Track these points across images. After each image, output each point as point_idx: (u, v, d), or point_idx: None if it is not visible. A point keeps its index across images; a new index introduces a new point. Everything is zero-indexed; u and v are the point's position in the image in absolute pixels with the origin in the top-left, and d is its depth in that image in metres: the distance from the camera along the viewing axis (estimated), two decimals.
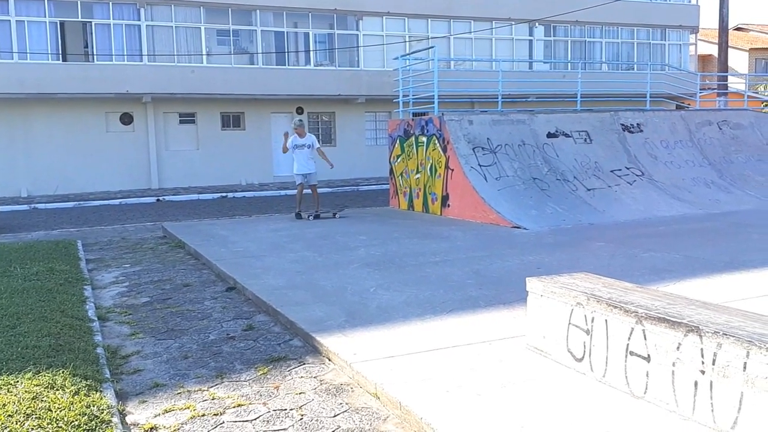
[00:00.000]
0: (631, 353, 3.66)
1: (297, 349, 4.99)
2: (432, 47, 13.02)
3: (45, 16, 20.46)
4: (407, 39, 24.15)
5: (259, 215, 14.78)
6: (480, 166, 11.64)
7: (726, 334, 3.12)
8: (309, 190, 12.73)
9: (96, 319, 5.98)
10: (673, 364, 3.40)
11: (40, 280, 7.22)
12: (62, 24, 21.03)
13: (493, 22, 25.48)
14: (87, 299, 6.67)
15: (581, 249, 8.38)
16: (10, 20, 20.00)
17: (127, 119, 22.84)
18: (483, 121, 12.31)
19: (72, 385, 4.04)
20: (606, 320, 3.84)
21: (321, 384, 4.26)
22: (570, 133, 12.73)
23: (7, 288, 6.62)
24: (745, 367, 3.03)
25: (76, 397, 3.90)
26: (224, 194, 21.04)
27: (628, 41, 28.16)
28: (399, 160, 13.62)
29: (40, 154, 21.34)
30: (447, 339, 4.77)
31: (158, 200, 20.50)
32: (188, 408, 3.99)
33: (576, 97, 14.29)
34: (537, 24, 26.16)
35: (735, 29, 39.23)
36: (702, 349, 3.24)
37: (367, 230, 10.44)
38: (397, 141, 13.63)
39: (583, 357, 4.02)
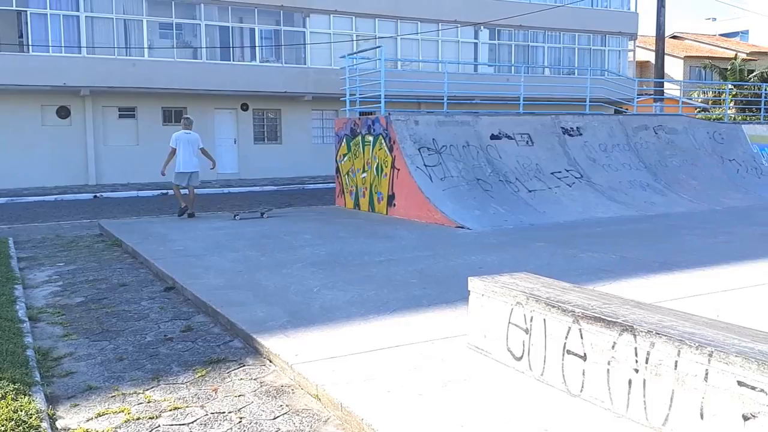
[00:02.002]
0: (569, 352, 3.73)
1: (237, 350, 4.91)
2: (379, 47, 13.02)
3: None
4: (354, 38, 24.11)
5: (200, 213, 14.49)
6: (425, 166, 11.71)
7: (658, 333, 3.21)
8: (186, 191, 12.40)
9: (26, 319, 5.74)
10: (609, 363, 3.48)
11: None
12: None
13: (440, 24, 25.69)
14: (17, 299, 6.41)
15: (523, 249, 8.52)
16: None
17: (63, 113, 22.10)
18: (429, 122, 12.39)
19: None
20: (544, 319, 3.90)
21: (261, 386, 4.19)
22: (512, 136, 12.94)
23: None
24: (676, 366, 3.13)
25: (2, 401, 3.73)
26: (164, 191, 20.53)
27: (569, 46, 28.82)
28: (345, 159, 13.58)
29: None
30: (390, 339, 4.77)
31: (95, 197, 19.90)
32: (123, 411, 3.87)
33: (519, 100, 14.54)
34: (482, 27, 26.51)
35: (671, 37, 40.65)
36: (636, 348, 3.33)
37: (312, 229, 10.37)
38: (344, 140, 13.59)
39: (522, 356, 4.07)
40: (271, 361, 4.59)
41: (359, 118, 13.07)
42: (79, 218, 14.59)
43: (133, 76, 21.44)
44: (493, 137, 12.84)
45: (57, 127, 21.91)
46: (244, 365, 4.58)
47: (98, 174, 22.38)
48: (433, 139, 12.10)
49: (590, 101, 15.61)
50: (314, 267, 7.38)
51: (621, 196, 12.70)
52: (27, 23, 20.48)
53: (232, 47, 23.19)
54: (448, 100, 13.89)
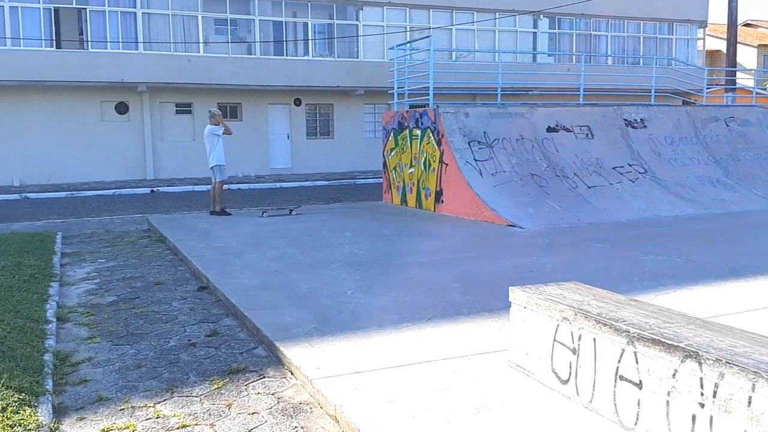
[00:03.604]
0: (621, 378, 3.24)
1: (259, 359, 4.58)
2: (428, 37, 12.54)
3: (39, 2, 20.03)
4: (408, 29, 23.64)
5: (250, 208, 14.37)
6: (475, 160, 11.20)
7: (729, 363, 2.70)
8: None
9: (54, 320, 5.58)
10: (668, 394, 2.98)
11: (5, 276, 6.83)
12: (56, 10, 20.59)
13: (497, 13, 24.96)
14: (50, 297, 6.28)
15: (578, 251, 7.94)
16: (3, 6, 19.59)
17: (122, 108, 22.44)
18: (480, 114, 11.86)
19: (1, 399, 3.64)
20: (594, 339, 3.42)
21: (278, 402, 3.85)
22: (571, 128, 12.27)
23: None
24: (750, 402, 2.61)
25: (2, 414, 3.50)
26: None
27: (634, 35, 27.60)
28: (393, 153, 13.18)
29: (33, 142, 20.95)
30: (422, 352, 4.35)
31: (152, 191, 20.13)
32: (128, 428, 3.58)
33: (579, 91, 13.81)
34: (541, 16, 25.62)
35: (744, 25, 38.58)
36: (701, 379, 2.82)
37: (356, 226, 10.02)
38: (391, 134, 13.20)
39: (568, 379, 3.60)
40: (292, 374, 4.24)
41: (407, 112, 12.64)
42: (132, 213, 14.69)
43: (188, 72, 21.58)
44: (549, 130, 12.20)
45: (116, 122, 22.26)
46: (264, 377, 4.25)
47: (155, 169, 22.65)
48: (485, 132, 11.57)
49: (656, 92, 14.75)
50: (351, 267, 7.02)
51: (688, 192, 11.88)
52: (86, 20, 20.84)
53: (286, 41, 23.08)
54: (505, 91, 13.29)
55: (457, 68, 21.05)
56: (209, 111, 12.33)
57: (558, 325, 3.69)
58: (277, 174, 23.31)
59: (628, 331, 3.21)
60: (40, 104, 20.91)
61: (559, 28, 26.45)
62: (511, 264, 7.17)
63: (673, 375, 2.95)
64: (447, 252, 7.90)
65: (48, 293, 6.41)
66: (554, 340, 3.71)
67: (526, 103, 13.27)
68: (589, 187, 11.33)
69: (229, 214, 11.94)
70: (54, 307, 5.99)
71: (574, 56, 24.97)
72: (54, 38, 20.59)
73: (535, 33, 26.13)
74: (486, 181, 10.98)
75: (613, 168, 11.92)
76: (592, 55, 25.48)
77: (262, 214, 11.71)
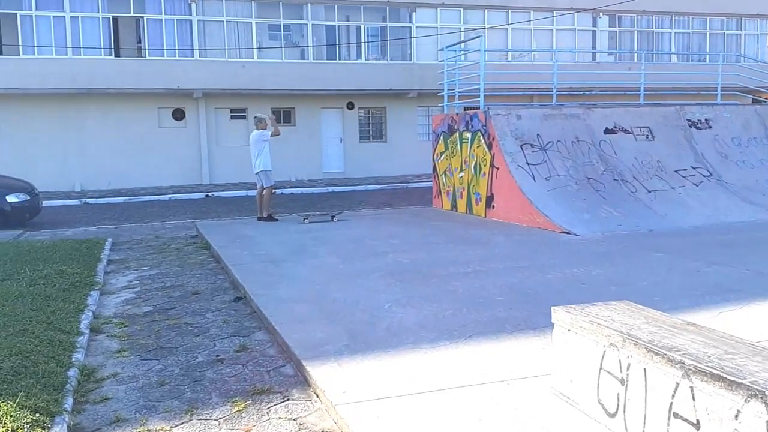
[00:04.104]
0: (676, 415, 2.85)
1: (286, 379, 4.35)
2: (478, 37, 12.15)
3: (98, 12, 20.53)
4: (462, 30, 23.22)
5: (299, 213, 14.27)
6: (528, 164, 10.76)
7: None
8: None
9: (87, 331, 5.50)
10: None
11: (46, 285, 6.85)
12: (115, 19, 21.06)
13: (554, 12, 24.26)
14: (87, 307, 6.23)
15: (636, 260, 7.44)
16: (64, 16, 20.14)
17: (179, 114, 22.78)
18: (533, 116, 11.41)
19: (13, 421, 3.52)
20: (645, 369, 3.04)
21: (299, 429, 3.60)
22: (630, 129, 11.67)
23: (5, 294, 6.24)
24: None
25: None
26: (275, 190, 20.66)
27: (699, 31, 26.40)
28: (442, 157, 12.84)
29: (94, 149, 21.47)
30: (458, 375, 4.03)
31: (207, 196, 20.35)
32: None
33: (639, 91, 13.17)
34: (601, 14, 24.78)
35: None
36: None
37: (402, 233, 9.73)
38: (441, 137, 12.86)
39: (616, 412, 3.22)
40: (317, 396, 3.99)
41: (457, 114, 12.28)
42: (184, 218, 14.81)
43: (242, 78, 21.73)
44: (607, 131, 11.64)
45: (173, 128, 22.62)
46: (288, 399, 4.01)
47: (211, 174, 22.90)
48: (538, 134, 11.11)
49: (722, 90, 13.94)
50: (392, 278, 6.74)
51: (758, 197, 11.11)
52: (144, 28, 21.25)
53: (338, 45, 23.01)
54: (562, 92, 12.79)
55: (511, 69, 20.51)
56: (255, 117, 12.25)
57: (605, 351, 3.31)
58: (330, 178, 23.24)
59: (683, 363, 2.82)
60: (99, 111, 21.42)
61: (619, 26, 25.55)
62: (562, 275, 6.75)
63: (736, 416, 2.56)
64: (494, 261, 7.53)
65: (86, 303, 6.36)
66: (600, 367, 3.34)
67: (583, 103, 12.70)
68: (649, 192, 10.73)
69: (277, 220, 11.82)
70: (89, 317, 5.92)
71: (635, 54, 24.04)
72: (113, 47, 21.07)
73: (594, 31, 25.30)
74: (539, 186, 10.53)
75: (676, 171, 11.27)
76: (654, 53, 24.51)
77: (303, 220, 11.54)
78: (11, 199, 12.94)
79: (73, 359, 4.73)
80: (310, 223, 11.28)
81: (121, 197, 19.78)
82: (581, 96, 17.81)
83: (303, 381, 4.26)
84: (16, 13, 19.54)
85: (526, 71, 19.20)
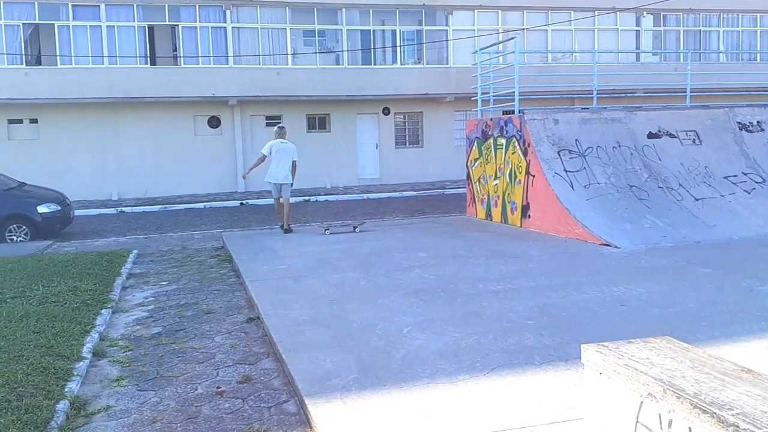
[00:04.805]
0: None
1: (287, 418, 3.95)
2: (513, 38, 11.63)
3: (134, 21, 20.62)
4: (500, 32, 22.64)
5: (331, 222, 13.94)
6: (566, 171, 10.19)
7: None
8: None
9: (89, 356, 5.20)
10: None
11: (56, 303, 6.61)
12: (150, 28, 21.14)
13: (596, 12, 23.48)
14: (95, 328, 5.96)
15: (681, 277, 6.85)
16: (101, 26, 20.28)
17: (214, 122, 22.74)
18: (571, 120, 10.83)
19: None
20: (690, 429, 2.54)
21: None
22: (675, 133, 10.99)
23: (10, 314, 6.01)
24: None
25: None
26: (307, 198, 20.45)
27: (750, 29, 25.26)
28: (476, 164, 12.33)
29: (130, 157, 21.57)
30: (476, 418, 3.57)
31: (242, 204, 20.22)
32: None
33: (686, 92, 12.45)
34: (645, 13, 23.90)
35: None
36: None
37: (431, 245, 9.26)
38: (475, 143, 12.35)
39: None
40: None
41: (491, 119, 11.76)
42: (215, 227, 14.64)
43: (277, 85, 21.56)
44: (651, 136, 10.98)
45: (208, 136, 22.59)
46: None
47: (246, 181, 22.76)
48: (576, 139, 10.53)
49: None
50: (415, 297, 6.29)
51: None
52: (179, 37, 21.26)
53: (374, 49, 22.67)
54: (604, 94, 12.16)
55: (551, 71, 19.88)
56: (284, 127, 11.99)
57: (642, 402, 2.82)
58: (366, 185, 22.90)
59: (737, 426, 2.31)
60: (136, 120, 21.51)
61: (664, 25, 24.61)
62: (600, 295, 6.21)
63: None
64: (527, 278, 7.01)
65: (94, 323, 6.09)
66: (637, 421, 2.85)
67: (626, 106, 12.04)
68: (697, 200, 10.04)
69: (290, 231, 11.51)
70: (94, 340, 5.64)
71: (681, 54, 23.09)
72: (148, 55, 21.13)
73: (638, 31, 24.42)
74: (577, 194, 9.95)
75: (725, 177, 10.54)
76: (701, 53, 23.51)
77: (324, 231, 11.14)
78: (42, 209, 12.91)
79: (66, 390, 4.43)
80: (330, 234, 10.89)
81: (156, 206, 19.77)
82: (624, 98, 17.08)
83: (304, 422, 3.85)
84: (53, 24, 19.75)
85: (566, 73, 18.56)
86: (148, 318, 6.48)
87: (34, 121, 20.69)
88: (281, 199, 11.63)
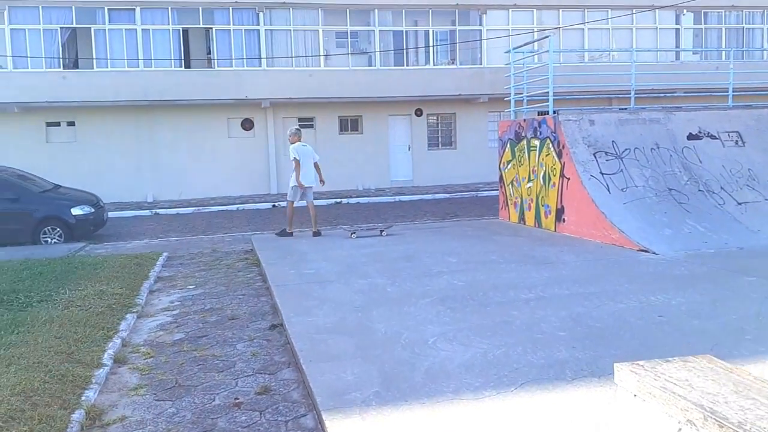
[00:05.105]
0: None
1: None
2: (547, 37, 11.33)
3: (168, 24, 20.79)
4: (535, 31, 22.25)
5: (361, 225, 13.81)
6: (602, 174, 9.87)
7: None
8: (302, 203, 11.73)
9: (110, 363, 5.13)
10: None
11: (82, 307, 6.59)
12: (185, 31, 21.30)
13: (634, 10, 22.93)
14: (118, 333, 5.90)
15: (724, 286, 6.52)
16: (136, 29, 20.50)
17: (248, 125, 22.81)
18: (607, 121, 10.50)
19: None
20: None
21: None
22: (717, 135, 10.58)
23: (34, 318, 6.00)
24: None
25: None
26: (338, 200, 20.37)
27: None
28: (509, 166, 12.06)
29: (165, 159, 21.76)
30: None
31: (274, 206, 20.21)
32: None
33: (728, 92, 12.00)
34: (685, 11, 23.25)
35: None
36: None
37: (462, 250, 9.04)
38: (508, 145, 12.08)
39: None
40: None
41: (524, 120, 11.48)
42: (246, 229, 14.64)
43: (309, 87, 21.53)
44: (691, 137, 10.59)
45: (241, 138, 22.66)
46: None
47: (279, 183, 22.78)
48: (613, 141, 10.20)
49: None
50: (443, 304, 6.09)
51: None
52: (213, 39, 21.39)
53: (406, 50, 22.49)
54: (642, 94, 11.78)
55: (587, 70, 19.44)
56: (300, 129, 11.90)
57: (680, 429, 2.59)
58: (398, 187, 22.73)
59: None
60: (170, 122, 21.68)
61: (705, 23, 23.92)
62: (637, 304, 5.93)
63: None
64: (560, 285, 6.76)
65: (117, 328, 6.04)
66: None
67: (665, 107, 11.65)
68: (740, 204, 9.63)
69: (290, 235, 11.39)
70: (116, 345, 5.57)
71: (722, 52, 22.40)
72: (183, 58, 21.29)
73: (677, 29, 23.79)
74: (614, 198, 9.63)
75: None
76: (744, 51, 22.78)
77: (351, 234, 10.98)
78: (76, 211, 13.04)
79: (83, 398, 4.35)
80: (357, 237, 10.73)
81: (190, 207, 19.89)
82: (663, 98, 16.60)
83: None
84: (90, 28, 20.02)
85: (603, 73, 18.14)
86: (172, 323, 6.41)
87: (71, 123, 21.01)
88: (307, 201, 11.53)
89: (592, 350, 4.67)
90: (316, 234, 11.36)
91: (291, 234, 11.39)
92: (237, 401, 4.32)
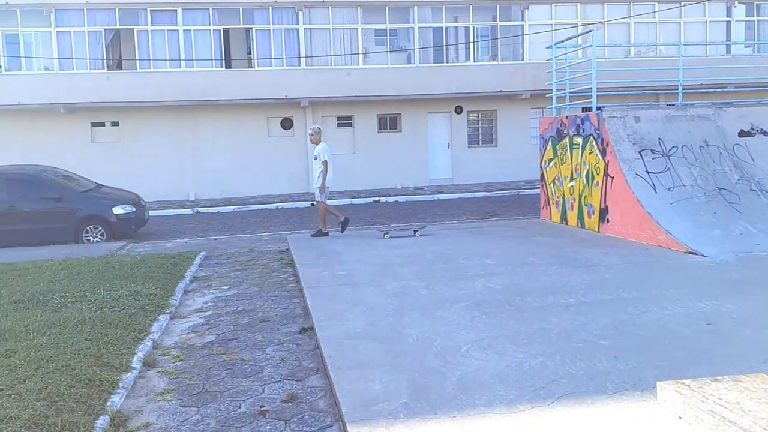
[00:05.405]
0: None
1: None
2: (590, 32, 10.97)
3: (209, 25, 20.95)
4: (579, 26, 21.73)
5: (398, 224, 13.65)
6: (648, 173, 9.50)
7: None
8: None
9: (138, 366, 5.08)
10: None
11: (115, 308, 6.59)
12: (225, 31, 21.44)
13: (682, 3, 22.21)
14: (149, 335, 5.87)
15: None
16: (177, 30, 20.72)
17: (287, 124, 22.86)
18: (654, 118, 10.10)
19: None
20: None
21: None
22: None
23: (66, 320, 5.99)
24: None
25: None
26: (377, 198, 20.25)
27: None
28: (551, 164, 11.73)
29: (206, 159, 21.95)
30: None
31: (312, 205, 20.18)
32: None
33: None
34: (736, 3, 22.43)
35: None
36: None
37: (500, 251, 8.79)
38: (549, 142, 11.76)
39: None
40: None
41: (566, 117, 11.14)
42: (284, 228, 14.65)
43: (348, 85, 21.45)
44: (742, 134, 10.11)
45: (281, 137, 22.73)
46: None
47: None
48: (660, 138, 9.81)
49: None
50: (478, 309, 5.88)
51: None
52: (253, 39, 21.49)
53: (446, 47, 22.22)
54: (691, 89, 11.33)
55: (633, 66, 18.89)
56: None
57: None
58: (437, 185, 22.48)
59: None
60: (211, 122, 21.86)
61: (758, 15, 23.02)
62: (683, 311, 5.62)
63: None
64: (603, 290, 6.47)
65: (149, 330, 6.00)
66: None
67: (715, 102, 11.17)
68: None
69: (326, 235, 11.27)
70: (147, 348, 5.53)
71: None
72: (223, 58, 21.44)
73: (728, 22, 22.95)
74: (661, 198, 9.25)
75: None
76: None
77: (384, 235, 10.79)
78: (117, 210, 13.20)
79: (109, 403, 4.30)
80: (390, 238, 10.55)
81: (231, 206, 20.02)
82: (712, 94, 16.00)
83: None
84: (133, 29, 20.31)
85: (649, 68, 17.57)
86: (204, 325, 6.35)
87: (115, 123, 21.36)
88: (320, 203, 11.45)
89: (635, 361, 4.41)
90: (324, 234, 11.29)
91: (327, 234, 11.29)
92: (263, 409, 4.20)
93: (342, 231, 11.38)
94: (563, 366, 4.39)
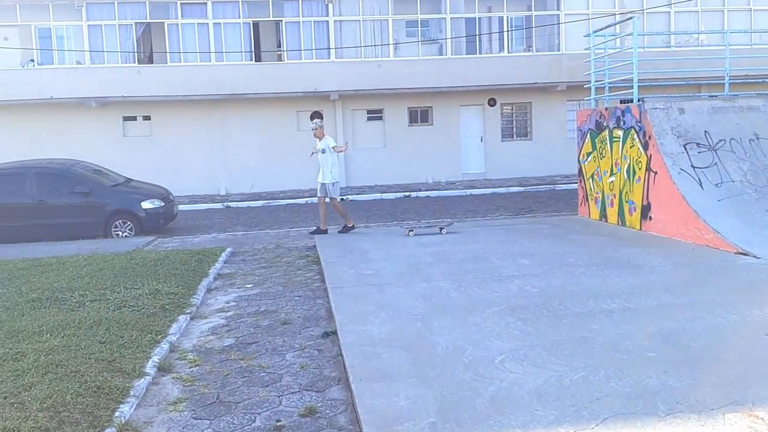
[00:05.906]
0: None
1: None
2: (630, 19, 10.43)
3: (239, 17, 20.77)
4: (617, 14, 21.01)
5: (429, 220, 13.28)
6: (693, 168, 8.97)
7: None
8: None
9: (152, 372, 4.82)
10: None
11: (134, 307, 6.36)
12: (255, 24, 21.25)
13: None
14: (167, 337, 5.60)
15: None
16: (207, 23, 20.57)
17: (317, 117, 22.58)
18: (699, 109, 9.55)
19: None
20: None
21: None
22: None
23: (82, 320, 5.77)
24: None
25: None
26: (407, 193, 19.89)
27: None
28: (590, 158, 11.23)
29: (237, 153, 21.82)
30: None
31: (342, 200, 19.89)
32: None
33: None
34: None
35: None
36: None
37: (536, 251, 8.36)
38: (588, 135, 11.24)
39: None
40: None
41: (606, 109, 10.62)
42: (312, 224, 14.34)
43: (378, 78, 21.08)
44: None
45: (311, 131, 22.45)
46: None
47: (348, 176, 22.49)
48: (706, 131, 9.26)
49: None
50: (513, 315, 5.49)
51: None
52: (282, 32, 21.25)
53: (479, 36, 21.69)
54: (737, 80, 10.73)
55: (674, 55, 18.16)
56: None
57: None
58: (469, 180, 22.01)
59: None
60: (241, 116, 21.72)
61: None
62: (738, 319, 5.16)
63: None
64: (647, 294, 6.02)
65: (167, 332, 5.74)
66: None
67: (763, 93, 10.55)
68: None
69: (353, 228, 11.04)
70: (163, 352, 5.26)
71: None
72: (253, 51, 21.25)
73: None
74: (707, 194, 8.72)
75: None
76: None
77: (408, 233, 10.38)
78: (146, 205, 13.07)
79: (117, 414, 4.03)
80: (415, 235, 10.14)
81: (260, 201, 19.86)
82: (762, 84, 15.25)
83: None
84: (163, 23, 20.23)
85: (692, 57, 16.85)
86: (224, 326, 6.08)
87: (147, 118, 21.34)
88: (323, 197, 11.29)
89: (689, 377, 3.99)
90: (321, 232, 10.97)
91: (353, 227, 11.00)
92: (279, 424, 3.89)
93: (339, 233, 11.10)
94: (608, 382, 3.99)
